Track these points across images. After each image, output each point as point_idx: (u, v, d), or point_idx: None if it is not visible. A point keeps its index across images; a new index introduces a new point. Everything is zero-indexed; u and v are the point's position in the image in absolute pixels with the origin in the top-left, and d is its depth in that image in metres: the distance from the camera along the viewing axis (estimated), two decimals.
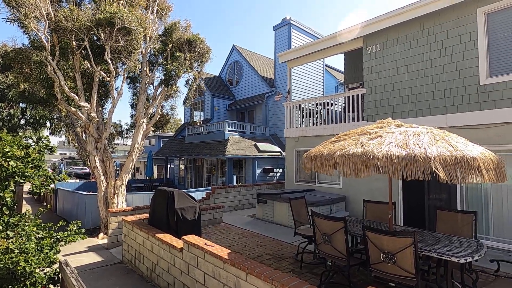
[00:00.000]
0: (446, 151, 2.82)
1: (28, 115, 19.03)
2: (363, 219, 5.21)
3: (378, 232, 3.10)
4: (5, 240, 2.61)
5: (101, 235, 8.58)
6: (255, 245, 6.19)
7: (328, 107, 9.90)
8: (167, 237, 4.76)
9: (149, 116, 10.17)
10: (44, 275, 2.86)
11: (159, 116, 10.83)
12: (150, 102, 10.38)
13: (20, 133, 17.43)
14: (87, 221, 9.99)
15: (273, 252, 5.73)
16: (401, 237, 2.95)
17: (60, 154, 64.93)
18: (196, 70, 11.03)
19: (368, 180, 7.82)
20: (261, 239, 6.65)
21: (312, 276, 4.48)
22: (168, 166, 20.36)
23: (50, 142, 3.55)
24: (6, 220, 2.88)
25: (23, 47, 8.54)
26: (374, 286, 2.29)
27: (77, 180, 22.27)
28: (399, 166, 2.80)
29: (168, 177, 20.15)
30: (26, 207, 15.73)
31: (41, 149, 3.40)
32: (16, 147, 3.07)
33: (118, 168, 25.82)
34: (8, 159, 2.87)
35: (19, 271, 2.50)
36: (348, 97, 8.69)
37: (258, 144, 14.20)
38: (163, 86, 10.15)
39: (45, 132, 20.33)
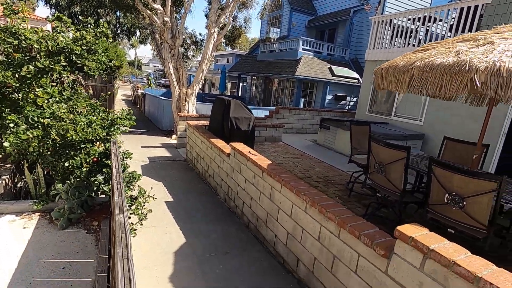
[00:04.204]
0: None
1: (122, 23, 20.69)
2: (438, 158, 4.38)
3: (449, 168, 2.47)
4: (59, 110, 2.97)
5: (173, 136, 9.59)
6: (308, 167, 6.03)
7: (428, 24, 7.84)
8: (219, 142, 4.90)
9: (220, 25, 9.79)
10: (97, 149, 3.30)
11: (230, 27, 10.37)
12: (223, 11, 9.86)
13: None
14: (164, 123, 11.23)
15: (324, 176, 5.51)
16: (481, 179, 2.29)
17: (153, 66, 72.56)
18: None
19: (461, 120, 6.44)
20: (315, 163, 6.44)
21: (359, 206, 4.18)
22: (241, 84, 20.65)
23: (108, 30, 3.63)
24: (66, 95, 3.26)
25: None
26: (427, 228, 1.84)
27: (163, 89, 24.73)
28: (511, 85, 1.95)
29: (240, 95, 20.64)
30: (124, 107, 18.59)
31: (97, 34, 3.52)
32: (74, 29, 3.24)
33: None
34: (58, 34, 3.06)
35: (68, 138, 2.90)
36: (461, 9, 6.61)
37: (333, 67, 12.82)
38: None
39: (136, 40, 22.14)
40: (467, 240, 2.65)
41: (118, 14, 19.89)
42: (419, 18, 7.83)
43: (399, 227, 1.75)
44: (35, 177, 3.35)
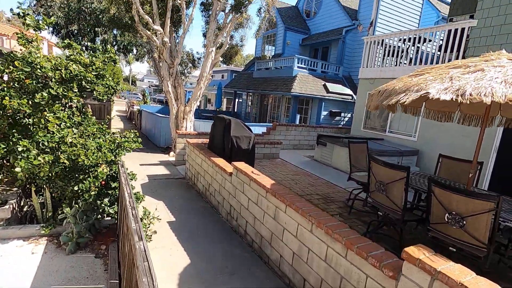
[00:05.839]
0: None
1: (119, 41, 21.01)
2: (435, 175, 4.50)
3: (448, 188, 2.57)
4: (67, 135, 3.02)
5: (171, 153, 9.61)
6: (307, 184, 6.10)
7: (418, 44, 8.19)
8: (220, 161, 4.96)
9: (218, 45, 10.06)
10: (105, 172, 3.33)
11: (228, 46, 10.66)
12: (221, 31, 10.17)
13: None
14: (162, 140, 11.25)
15: (324, 193, 5.58)
16: (478, 199, 2.39)
17: (148, 81, 72.99)
18: None
19: (453, 135, 6.64)
20: (314, 180, 6.52)
21: (360, 224, 4.24)
22: (237, 100, 20.91)
23: (115, 55, 3.75)
24: (77, 120, 3.33)
25: None
26: (429, 247, 1.93)
27: (158, 105, 24.86)
28: (498, 110, 2.09)
29: (236, 110, 20.85)
30: (120, 123, 18.59)
31: (106, 60, 3.63)
32: (84, 55, 3.34)
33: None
34: (71, 62, 3.15)
35: (79, 163, 2.95)
36: (449, 31, 6.95)
37: (327, 84, 13.15)
38: (233, 13, 9.70)
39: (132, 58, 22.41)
40: (468, 258, 2.72)
41: (115, 32, 20.25)
42: (409, 38, 8.19)
43: (406, 249, 1.82)
44: (42, 201, 3.35)
